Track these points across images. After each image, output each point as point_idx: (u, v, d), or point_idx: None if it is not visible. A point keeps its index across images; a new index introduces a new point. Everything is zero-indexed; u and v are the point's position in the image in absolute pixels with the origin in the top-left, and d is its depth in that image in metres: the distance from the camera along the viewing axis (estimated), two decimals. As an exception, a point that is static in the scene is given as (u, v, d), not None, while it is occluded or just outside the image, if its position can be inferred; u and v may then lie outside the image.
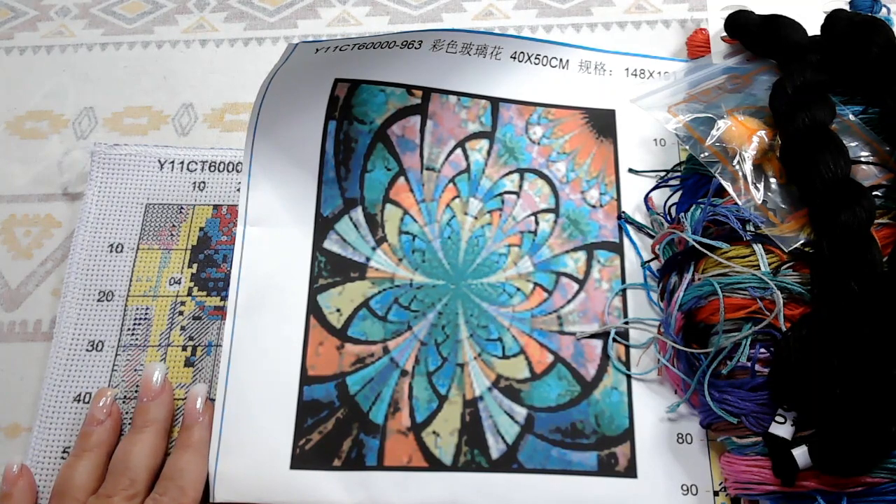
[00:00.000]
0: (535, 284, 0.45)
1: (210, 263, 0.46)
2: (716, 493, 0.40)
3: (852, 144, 0.41)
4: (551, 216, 0.46)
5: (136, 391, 0.43)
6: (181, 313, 0.45)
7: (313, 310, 0.43)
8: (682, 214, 0.43)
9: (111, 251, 0.46)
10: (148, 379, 0.42)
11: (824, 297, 0.36)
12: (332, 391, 0.42)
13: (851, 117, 0.42)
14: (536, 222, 0.46)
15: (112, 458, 0.40)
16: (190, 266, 0.46)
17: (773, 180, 0.41)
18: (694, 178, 0.44)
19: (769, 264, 0.39)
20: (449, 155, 0.47)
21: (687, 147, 0.43)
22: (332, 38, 0.48)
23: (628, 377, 0.43)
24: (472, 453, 0.41)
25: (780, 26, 0.46)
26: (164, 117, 0.52)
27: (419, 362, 0.42)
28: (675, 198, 0.46)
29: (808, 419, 0.36)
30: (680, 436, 0.41)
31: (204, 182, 0.48)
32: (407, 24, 0.55)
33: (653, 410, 0.42)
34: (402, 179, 0.46)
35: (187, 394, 0.42)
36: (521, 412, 0.42)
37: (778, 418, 0.37)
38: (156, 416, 0.41)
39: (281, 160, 0.45)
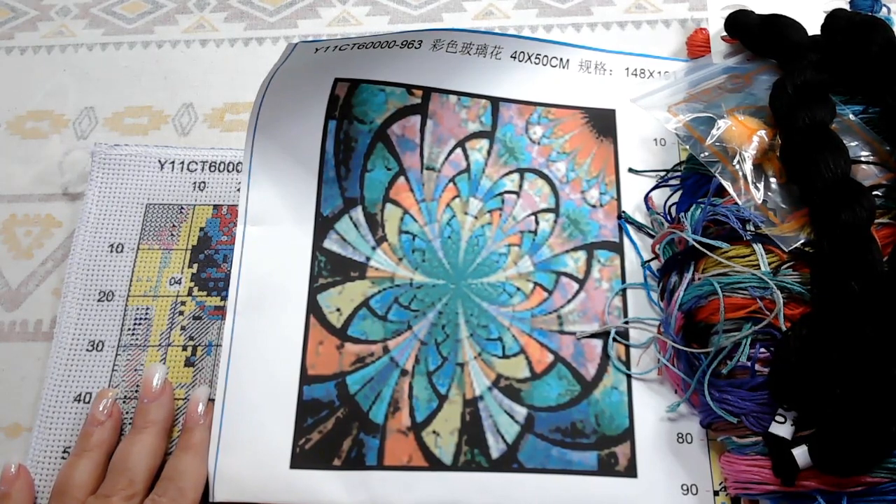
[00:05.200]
0: (535, 284, 0.45)
1: (210, 263, 0.46)
2: (716, 493, 0.40)
3: (852, 144, 0.41)
4: (551, 216, 0.46)
5: (136, 391, 0.43)
6: (181, 313, 0.45)
7: (313, 309, 0.43)
8: (682, 214, 0.43)
9: (111, 251, 0.46)
10: (148, 380, 0.42)
11: (824, 296, 0.36)
12: (331, 391, 0.42)
13: (851, 117, 0.42)
14: (536, 222, 0.46)
15: (112, 459, 0.40)
16: (190, 266, 0.46)
17: (773, 180, 0.41)
18: (694, 178, 0.44)
19: (769, 264, 0.39)
20: (449, 154, 0.47)
21: (687, 147, 0.43)
22: (332, 38, 0.48)
23: (628, 377, 0.43)
24: (472, 453, 0.41)
25: (780, 26, 0.46)
26: (165, 117, 0.52)
27: (419, 362, 0.42)
28: (675, 197, 0.46)
29: (808, 419, 0.36)
30: (680, 435, 0.41)
31: (204, 182, 0.48)
32: (407, 24, 0.56)
33: (653, 410, 0.42)
34: (402, 179, 0.46)
35: (189, 396, 0.42)
36: (521, 412, 0.42)
37: (778, 418, 0.37)
38: (156, 417, 0.41)
39: (281, 159, 0.45)
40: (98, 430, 0.40)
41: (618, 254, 0.45)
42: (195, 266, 0.46)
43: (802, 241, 0.39)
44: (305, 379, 0.42)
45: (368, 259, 0.44)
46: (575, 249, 0.45)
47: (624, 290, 0.45)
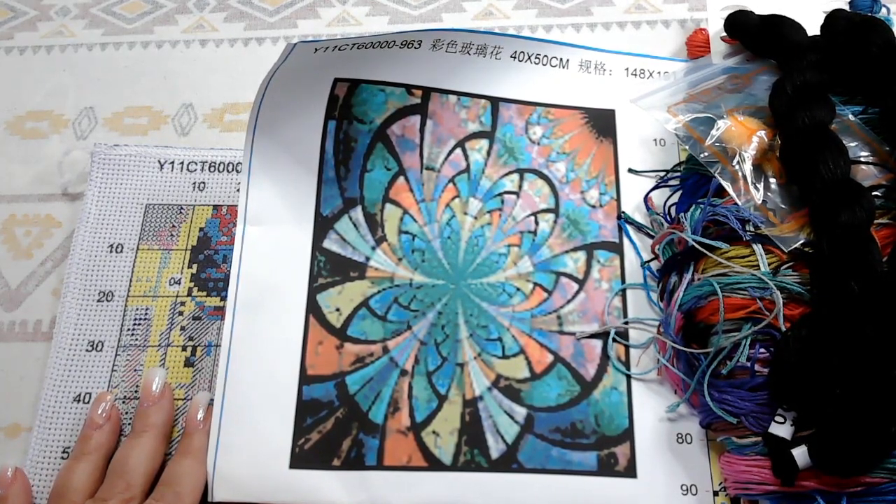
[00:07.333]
0: (535, 284, 0.45)
1: (210, 264, 0.46)
2: (715, 493, 0.40)
3: (852, 144, 0.41)
4: (551, 216, 0.46)
5: (135, 391, 0.43)
6: (181, 313, 0.45)
7: (313, 309, 0.43)
8: (682, 214, 0.43)
9: (111, 251, 0.46)
10: (147, 385, 0.42)
11: (824, 297, 0.36)
12: (331, 391, 0.42)
13: (851, 117, 0.42)
14: (536, 222, 0.46)
15: (111, 462, 0.40)
16: (190, 266, 0.46)
17: (772, 180, 0.41)
18: (694, 178, 0.44)
19: (769, 264, 0.39)
20: (449, 155, 0.47)
21: (687, 147, 0.43)
22: (332, 38, 0.48)
23: (628, 377, 0.43)
24: (472, 453, 0.41)
25: (780, 26, 0.46)
26: (164, 117, 0.52)
27: (419, 362, 0.42)
28: (675, 198, 0.46)
29: (807, 419, 0.36)
30: (680, 436, 0.41)
31: (204, 182, 0.48)
32: (407, 24, 0.56)
33: (652, 410, 0.42)
34: (401, 179, 0.46)
35: (188, 396, 0.42)
36: (520, 412, 0.42)
37: (777, 418, 0.37)
38: (155, 420, 0.40)
39: (281, 159, 0.45)
40: (97, 434, 0.40)
41: (617, 254, 0.45)
42: (195, 266, 0.46)
43: (802, 241, 0.39)
44: (305, 379, 0.42)
45: (368, 259, 0.44)
46: (574, 250, 0.45)
47: (624, 291, 0.45)
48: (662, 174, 0.47)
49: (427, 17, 0.56)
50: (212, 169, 0.49)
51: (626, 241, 0.46)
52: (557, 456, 0.41)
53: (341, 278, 0.44)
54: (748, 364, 0.38)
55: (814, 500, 0.36)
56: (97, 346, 0.44)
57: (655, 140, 0.48)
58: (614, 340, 0.43)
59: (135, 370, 0.43)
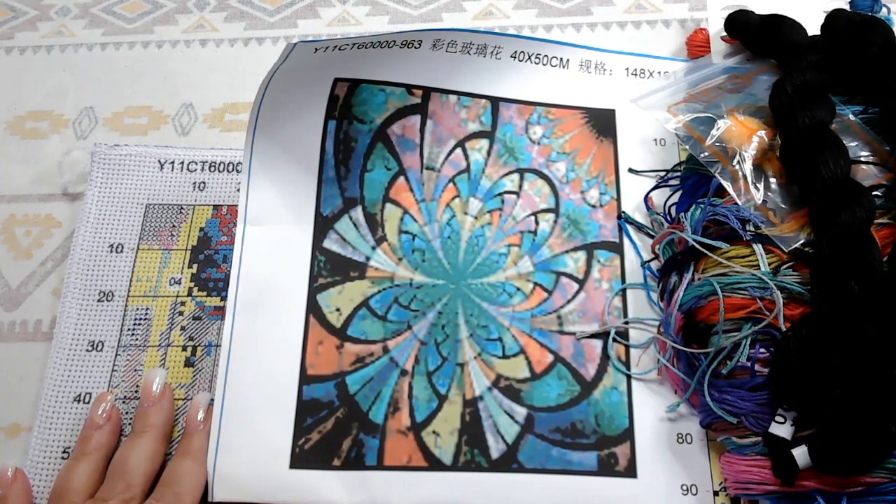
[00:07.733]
0: (535, 284, 0.45)
1: (210, 263, 0.46)
2: (716, 493, 0.40)
3: (852, 144, 0.41)
4: (551, 216, 0.46)
5: (135, 391, 0.43)
6: (181, 313, 0.45)
7: (313, 309, 0.43)
8: (682, 214, 0.43)
9: (111, 251, 0.46)
10: (148, 385, 0.42)
11: (824, 297, 0.36)
12: (331, 391, 0.42)
13: (851, 117, 0.42)
14: (536, 222, 0.46)
15: (111, 462, 0.40)
16: (190, 266, 0.46)
17: (773, 180, 0.41)
18: (694, 178, 0.44)
19: (769, 264, 0.39)
20: (449, 154, 0.47)
21: (687, 147, 0.43)
22: (332, 38, 0.48)
23: (628, 377, 0.43)
24: (472, 453, 0.41)
25: (780, 26, 0.46)
26: (164, 117, 0.52)
27: (419, 362, 0.42)
28: (675, 198, 0.46)
29: (808, 419, 0.36)
30: (680, 436, 0.41)
31: (204, 182, 0.48)
32: (407, 24, 0.56)
33: (653, 410, 0.42)
34: (401, 179, 0.46)
35: (188, 396, 0.42)
36: (520, 412, 0.42)
37: (778, 418, 0.37)
38: (155, 421, 0.40)
39: (281, 159, 0.45)
40: (97, 434, 0.40)
41: (618, 254, 0.45)
42: (195, 266, 0.46)
43: (802, 241, 0.39)
44: (305, 379, 0.42)
45: (368, 259, 0.44)
46: (575, 249, 0.45)
47: (624, 291, 0.45)
48: (662, 174, 0.47)
49: (427, 17, 0.56)
50: (212, 169, 0.49)
51: (626, 240, 0.46)
52: (557, 456, 0.41)
53: (341, 278, 0.44)
54: (748, 364, 0.38)
55: (814, 500, 0.36)
56: (97, 346, 0.44)
57: (655, 140, 0.48)
58: (614, 340, 0.43)
59: (135, 370, 0.43)
